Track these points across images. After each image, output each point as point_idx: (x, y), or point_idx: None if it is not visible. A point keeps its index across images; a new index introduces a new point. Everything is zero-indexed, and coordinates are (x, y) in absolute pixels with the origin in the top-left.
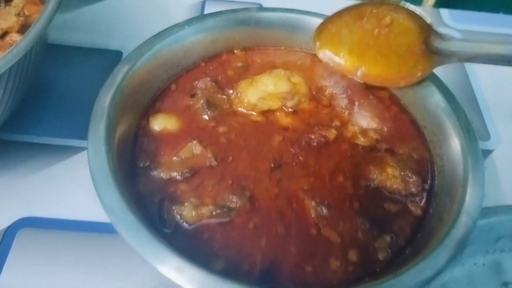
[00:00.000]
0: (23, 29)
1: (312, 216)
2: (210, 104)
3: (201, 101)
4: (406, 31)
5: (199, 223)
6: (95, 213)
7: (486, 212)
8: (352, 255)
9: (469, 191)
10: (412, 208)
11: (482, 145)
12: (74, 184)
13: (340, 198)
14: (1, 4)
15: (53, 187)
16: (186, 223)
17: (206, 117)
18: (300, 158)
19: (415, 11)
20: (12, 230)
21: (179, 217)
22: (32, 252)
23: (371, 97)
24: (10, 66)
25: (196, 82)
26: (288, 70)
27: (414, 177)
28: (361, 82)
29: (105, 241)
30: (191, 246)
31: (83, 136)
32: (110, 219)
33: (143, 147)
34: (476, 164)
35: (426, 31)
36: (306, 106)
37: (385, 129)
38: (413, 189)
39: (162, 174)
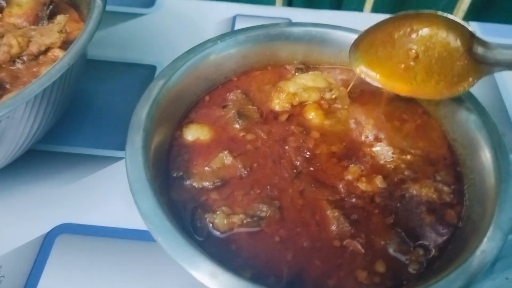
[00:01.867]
0: (64, 45)
1: (333, 227)
2: (241, 114)
3: (232, 111)
4: (447, 44)
5: (230, 232)
6: (131, 220)
7: None
8: (379, 267)
9: (500, 204)
10: (448, 218)
11: None
12: (111, 193)
13: (368, 211)
14: (44, 21)
15: (91, 195)
16: (218, 231)
17: (237, 126)
18: (326, 167)
19: (454, 19)
20: (52, 235)
21: (211, 225)
22: (70, 257)
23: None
24: (53, 81)
25: (228, 94)
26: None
27: (446, 187)
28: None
29: (140, 248)
30: (221, 254)
31: (119, 146)
32: (147, 226)
33: (177, 158)
34: (507, 177)
35: (469, 40)
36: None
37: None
38: (447, 199)
39: (194, 183)
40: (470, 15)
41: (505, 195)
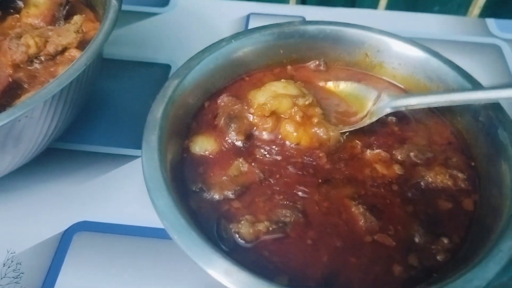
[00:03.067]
0: (80, 45)
1: (361, 223)
2: (231, 118)
3: (223, 118)
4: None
5: (256, 241)
6: (147, 218)
7: None
8: (413, 260)
9: None
10: (465, 205)
11: None
12: (128, 191)
13: (390, 201)
14: (61, 21)
15: (107, 193)
16: (244, 240)
17: (232, 131)
18: (346, 171)
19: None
20: (70, 233)
21: (237, 235)
22: (87, 255)
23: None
24: (71, 81)
25: (218, 100)
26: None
27: (460, 174)
28: None
29: (156, 245)
30: (252, 264)
31: (135, 145)
32: (163, 224)
33: (192, 171)
34: None
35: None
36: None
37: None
38: (462, 185)
39: (215, 195)
40: (487, 11)
41: None
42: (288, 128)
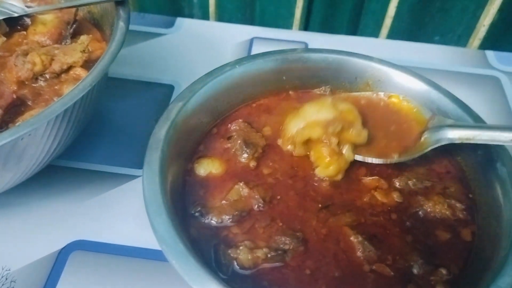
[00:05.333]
0: (86, 64)
1: (359, 252)
2: (248, 143)
3: (238, 141)
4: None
5: (255, 269)
6: (144, 239)
7: None
8: None
9: None
10: (463, 234)
11: None
12: (126, 210)
13: (388, 231)
14: (68, 40)
15: (106, 212)
16: (243, 267)
17: (245, 155)
18: (345, 196)
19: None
20: (66, 252)
21: (235, 262)
22: (83, 274)
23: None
24: (75, 101)
25: (230, 125)
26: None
27: (458, 204)
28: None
29: (153, 267)
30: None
31: (136, 164)
32: (161, 247)
33: (192, 193)
34: None
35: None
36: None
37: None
38: (460, 215)
39: (213, 219)
40: (487, 43)
41: None
42: (324, 153)
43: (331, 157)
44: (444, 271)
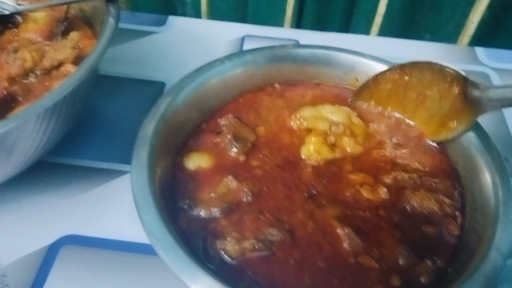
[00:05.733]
0: (76, 60)
1: (345, 244)
2: (237, 138)
3: (228, 136)
4: (445, 91)
5: (242, 258)
6: (134, 234)
7: None
8: (395, 281)
9: (499, 227)
10: (450, 228)
11: None
12: (116, 206)
13: (375, 225)
14: (58, 37)
15: (96, 207)
16: (230, 257)
17: (235, 149)
18: (331, 187)
19: (447, 65)
20: (56, 246)
21: (223, 252)
22: (73, 268)
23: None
24: (65, 95)
25: (219, 120)
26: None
27: (447, 199)
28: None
29: (143, 261)
30: (236, 281)
31: (125, 160)
32: (149, 239)
33: (181, 187)
34: (508, 201)
35: (462, 84)
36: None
37: (424, 168)
38: (448, 210)
39: (202, 211)
40: (476, 40)
41: (505, 219)
42: (316, 138)
43: (320, 143)
44: (429, 263)
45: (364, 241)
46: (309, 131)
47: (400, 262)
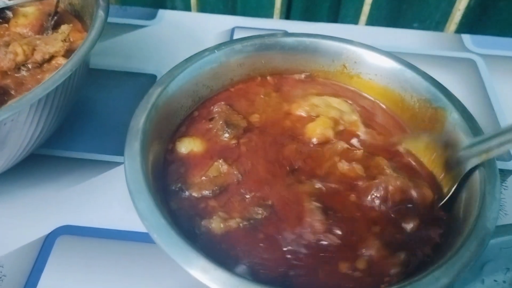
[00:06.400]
0: (67, 53)
1: (316, 219)
2: (229, 124)
3: (220, 122)
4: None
5: (226, 235)
6: (130, 222)
7: (507, 229)
8: (360, 264)
9: (484, 204)
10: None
11: (504, 165)
12: (111, 196)
13: (351, 212)
14: (49, 31)
15: (91, 198)
16: (215, 235)
17: (227, 134)
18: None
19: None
20: (52, 236)
21: (207, 231)
22: (70, 258)
23: None
24: (56, 86)
25: (212, 107)
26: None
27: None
28: None
29: (139, 249)
30: (217, 252)
31: (119, 152)
32: (143, 223)
33: (173, 171)
34: (493, 178)
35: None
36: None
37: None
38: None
39: (194, 193)
40: (463, 27)
41: (489, 196)
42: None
43: (328, 126)
44: (402, 256)
45: (332, 219)
46: (317, 117)
47: (371, 251)
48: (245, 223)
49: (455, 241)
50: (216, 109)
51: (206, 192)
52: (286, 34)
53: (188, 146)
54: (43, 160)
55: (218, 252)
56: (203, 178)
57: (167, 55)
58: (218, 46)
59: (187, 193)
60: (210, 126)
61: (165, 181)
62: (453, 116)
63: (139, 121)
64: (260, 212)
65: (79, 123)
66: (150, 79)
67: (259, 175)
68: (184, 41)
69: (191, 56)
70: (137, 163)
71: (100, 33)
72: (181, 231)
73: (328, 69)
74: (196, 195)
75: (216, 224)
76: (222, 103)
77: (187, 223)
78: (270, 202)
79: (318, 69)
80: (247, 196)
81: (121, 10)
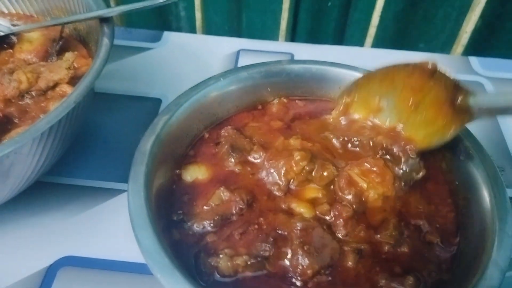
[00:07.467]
0: (72, 81)
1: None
2: (234, 148)
3: (226, 147)
4: (435, 94)
5: (235, 277)
6: (132, 253)
7: None
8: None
9: (497, 241)
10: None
11: None
12: (115, 225)
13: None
14: (54, 57)
15: (94, 227)
16: (223, 275)
17: (232, 159)
18: None
19: (440, 70)
20: (54, 268)
21: (216, 270)
22: None
23: None
24: (60, 118)
25: (220, 131)
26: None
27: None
28: None
29: (142, 281)
30: None
31: (123, 179)
32: (146, 261)
33: (177, 200)
34: (505, 214)
35: (453, 90)
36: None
37: None
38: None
39: (195, 225)
40: (470, 50)
41: (502, 232)
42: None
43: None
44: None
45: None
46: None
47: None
48: (252, 261)
49: (466, 279)
50: (223, 133)
51: (206, 223)
52: (292, 61)
53: (193, 174)
54: (46, 188)
55: None
56: (205, 207)
57: (173, 78)
58: (224, 74)
59: (188, 224)
60: (216, 150)
61: (169, 210)
62: (463, 147)
63: (144, 152)
64: (268, 249)
65: (82, 149)
66: (155, 104)
67: (263, 206)
68: (190, 63)
69: (197, 84)
70: (141, 198)
71: (105, 61)
72: (184, 267)
73: (334, 95)
74: (197, 227)
75: (224, 263)
76: (230, 127)
77: (191, 259)
78: (271, 239)
79: (324, 96)
80: (250, 228)
81: (126, 32)
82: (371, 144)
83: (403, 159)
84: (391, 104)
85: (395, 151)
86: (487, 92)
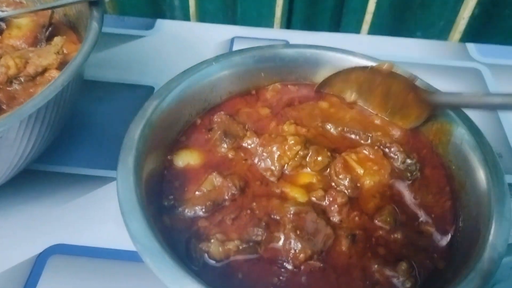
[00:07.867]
0: (61, 66)
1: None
2: (227, 134)
3: (218, 132)
4: (399, 88)
5: (227, 261)
6: (123, 241)
7: None
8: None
9: (494, 225)
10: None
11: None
12: (105, 213)
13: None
14: (43, 43)
15: (84, 215)
16: (214, 259)
17: (225, 145)
18: None
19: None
20: (44, 256)
21: (206, 255)
22: (62, 278)
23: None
24: (47, 101)
25: (213, 117)
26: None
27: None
28: None
29: (132, 269)
30: (220, 283)
31: (113, 166)
32: (135, 246)
33: (168, 185)
34: (502, 198)
35: (413, 85)
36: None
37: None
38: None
39: (186, 210)
40: (467, 36)
41: (499, 216)
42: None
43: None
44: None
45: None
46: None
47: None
48: (244, 245)
49: (463, 263)
50: (216, 119)
51: (198, 208)
52: (286, 45)
53: (185, 159)
54: (35, 176)
55: (217, 278)
56: (197, 193)
57: (165, 66)
58: (216, 59)
59: (180, 210)
60: (209, 136)
61: (160, 195)
62: (460, 131)
63: (133, 137)
64: (260, 233)
65: (73, 137)
66: (148, 91)
67: (253, 191)
68: (183, 51)
69: (188, 68)
70: (130, 183)
71: (93, 45)
72: (175, 253)
73: None
74: (188, 212)
75: (215, 248)
76: (222, 112)
77: (181, 245)
78: (263, 224)
79: (319, 80)
80: (243, 213)
81: (118, 20)
82: (368, 141)
83: (400, 159)
84: (363, 99)
85: (392, 150)
86: (448, 91)
